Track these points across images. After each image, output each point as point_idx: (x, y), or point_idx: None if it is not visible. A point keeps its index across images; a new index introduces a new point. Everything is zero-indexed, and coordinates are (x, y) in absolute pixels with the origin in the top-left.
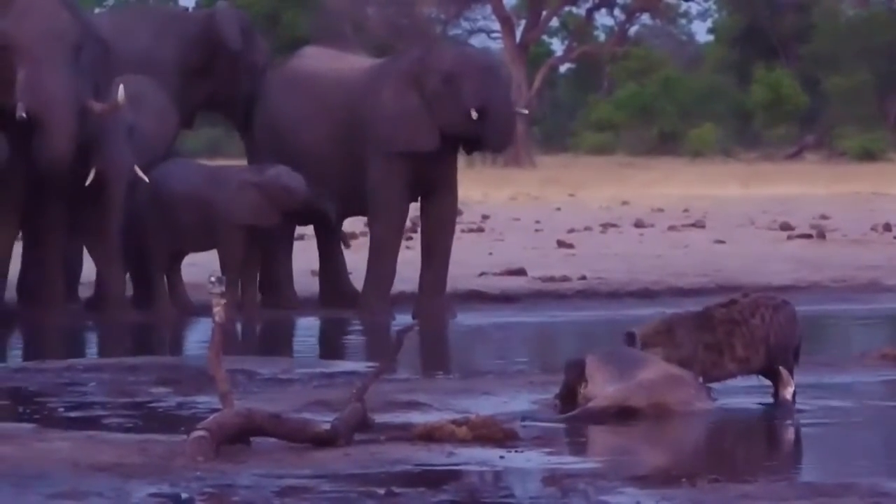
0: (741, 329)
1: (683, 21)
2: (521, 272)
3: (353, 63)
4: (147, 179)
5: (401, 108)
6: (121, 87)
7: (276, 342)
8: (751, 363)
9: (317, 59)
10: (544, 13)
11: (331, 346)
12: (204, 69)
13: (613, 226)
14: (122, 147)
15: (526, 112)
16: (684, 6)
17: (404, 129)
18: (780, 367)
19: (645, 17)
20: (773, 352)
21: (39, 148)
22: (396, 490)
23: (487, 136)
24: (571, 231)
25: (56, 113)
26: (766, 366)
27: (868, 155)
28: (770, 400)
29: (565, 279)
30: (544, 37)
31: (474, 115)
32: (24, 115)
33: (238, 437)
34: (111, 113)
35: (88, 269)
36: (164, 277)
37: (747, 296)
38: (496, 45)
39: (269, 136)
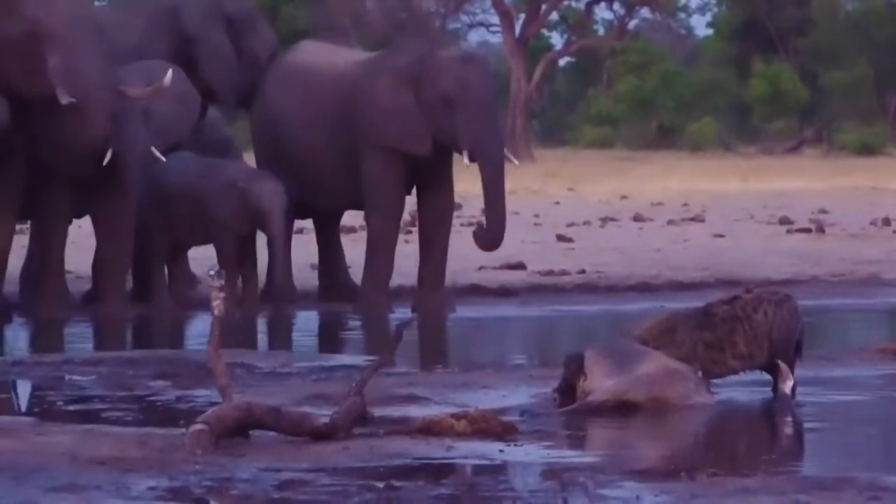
0: (743, 326)
1: (683, 15)
2: (520, 266)
3: (349, 56)
4: (164, 159)
5: (394, 103)
6: (170, 71)
7: (275, 336)
8: (753, 359)
9: (313, 53)
10: (544, 7)
11: (330, 339)
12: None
13: (613, 220)
14: (137, 129)
15: (517, 163)
16: (683, 0)
17: (395, 125)
18: (780, 362)
19: (644, 11)
20: (776, 347)
21: (75, 132)
22: (395, 484)
23: (480, 234)
24: (571, 225)
25: (98, 98)
26: (769, 361)
27: (867, 149)
28: (769, 394)
29: (564, 273)
30: (544, 31)
31: (467, 160)
32: (71, 100)
33: (237, 430)
34: (149, 97)
35: (86, 261)
36: (164, 271)
37: (750, 291)
38: (495, 38)
39: (266, 130)
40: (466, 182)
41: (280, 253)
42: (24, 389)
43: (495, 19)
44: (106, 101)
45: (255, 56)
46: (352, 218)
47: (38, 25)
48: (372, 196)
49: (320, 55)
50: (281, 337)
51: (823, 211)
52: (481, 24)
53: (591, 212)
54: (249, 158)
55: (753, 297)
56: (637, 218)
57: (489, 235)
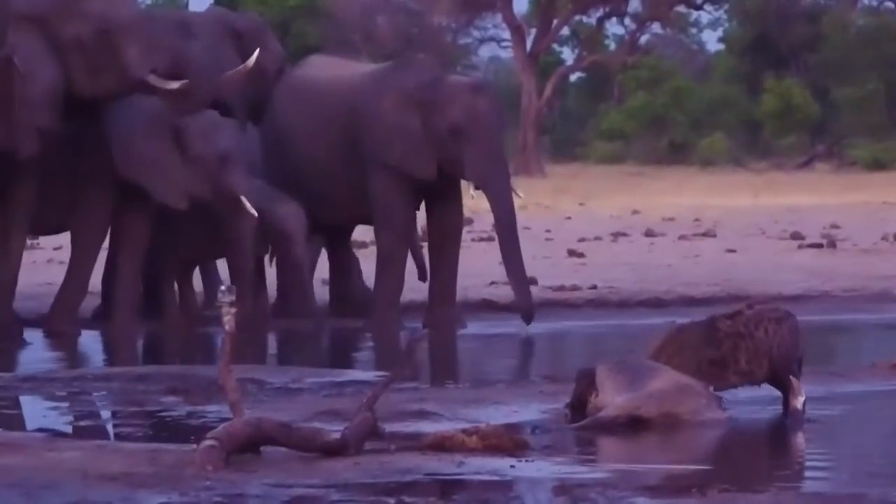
0: (746, 343)
1: (694, 30)
2: (531, 281)
3: (356, 69)
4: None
5: (399, 124)
6: (256, 53)
7: (286, 351)
8: (753, 375)
9: (320, 68)
10: (555, 22)
11: (340, 355)
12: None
13: (624, 235)
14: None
15: (522, 196)
16: (695, 16)
17: (400, 145)
18: (791, 378)
19: (655, 27)
20: (777, 364)
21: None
22: (406, 500)
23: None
24: (582, 240)
25: (200, 83)
26: (770, 378)
27: (879, 164)
28: (780, 410)
29: (576, 288)
30: (555, 46)
31: (472, 191)
32: (182, 82)
33: (248, 446)
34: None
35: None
36: (174, 286)
37: (752, 307)
38: (506, 53)
39: (275, 144)
40: (476, 198)
41: (307, 277)
42: (34, 405)
43: (506, 34)
44: (205, 86)
45: (264, 70)
46: (363, 233)
47: (106, 22)
48: (380, 212)
49: (328, 69)
50: (291, 352)
51: (835, 226)
52: (492, 39)
53: (603, 227)
54: None
55: (755, 314)
56: (648, 233)
57: (522, 308)
